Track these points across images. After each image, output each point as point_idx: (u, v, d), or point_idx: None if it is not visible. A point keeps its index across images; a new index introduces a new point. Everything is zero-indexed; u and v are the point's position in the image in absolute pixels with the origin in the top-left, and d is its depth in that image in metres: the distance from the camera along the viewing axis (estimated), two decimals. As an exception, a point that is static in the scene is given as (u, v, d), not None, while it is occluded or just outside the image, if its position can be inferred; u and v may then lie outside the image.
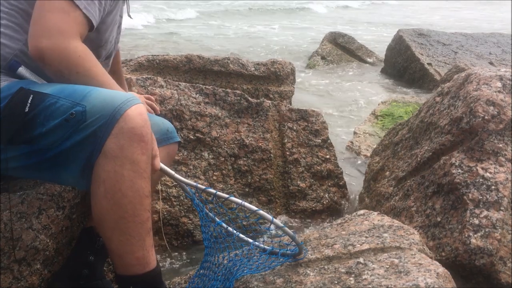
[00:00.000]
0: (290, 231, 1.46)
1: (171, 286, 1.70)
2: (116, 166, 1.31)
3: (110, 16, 1.58)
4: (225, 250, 1.54)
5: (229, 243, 1.53)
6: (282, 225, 1.44)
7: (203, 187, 1.45)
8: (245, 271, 1.54)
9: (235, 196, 1.45)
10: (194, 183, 1.48)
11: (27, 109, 1.33)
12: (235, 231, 1.57)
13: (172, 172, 1.49)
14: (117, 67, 2.04)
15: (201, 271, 1.58)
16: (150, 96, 2.19)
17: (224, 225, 1.55)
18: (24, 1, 1.47)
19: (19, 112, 1.33)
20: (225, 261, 1.56)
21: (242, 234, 1.60)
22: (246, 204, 1.41)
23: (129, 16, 1.90)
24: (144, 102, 2.16)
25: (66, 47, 1.36)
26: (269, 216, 1.41)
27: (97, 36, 1.56)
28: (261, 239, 1.62)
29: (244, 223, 1.60)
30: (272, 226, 1.49)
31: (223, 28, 11.23)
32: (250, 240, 1.60)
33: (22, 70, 1.44)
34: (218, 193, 1.42)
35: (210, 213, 1.53)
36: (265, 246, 1.57)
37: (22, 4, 1.47)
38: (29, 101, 1.34)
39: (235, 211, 1.56)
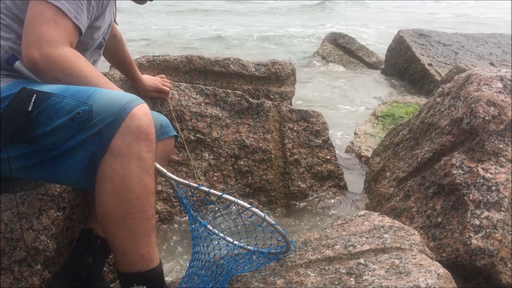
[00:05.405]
0: (281, 229, 1.48)
1: (171, 287, 1.70)
2: (123, 163, 1.33)
3: (99, 20, 1.62)
4: (212, 250, 1.57)
5: (215, 244, 1.56)
6: (273, 222, 1.46)
7: (196, 185, 1.45)
8: (238, 271, 1.55)
9: (229, 195, 1.47)
10: (187, 182, 1.48)
11: (30, 108, 1.34)
12: (220, 234, 1.60)
13: (164, 171, 1.49)
14: (121, 52, 2.18)
15: (190, 270, 1.58)
16: (163, 76, 2.38)
17: (209, 227, 1.57)
18: (16, 5, 1.49)
19: (22, 111, 1.34)
20: (217, 258, 1.57)
21: (235, 234, 1.61)
22: (239, 201, 1.43)
23: (115, 22, 1.98)
24: (158, 85, 2.37)
25: (57, 54, 1.40)
26: (262, 214, 1.44)
27: (86, 41, 1.61)
28: (254, 236, 1.63)
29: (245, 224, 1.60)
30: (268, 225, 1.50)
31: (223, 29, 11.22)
32: (236, 242, 1.63)
33: (18, 64, 1.43)
34: (211, 191, 1.43)
35: (196, 215, 1.55)
36: (251, 247, 1.60)
37: (15, 9, 1.49)
38: (33, 100, 1.35)
39: (230, 207, 1.57)
